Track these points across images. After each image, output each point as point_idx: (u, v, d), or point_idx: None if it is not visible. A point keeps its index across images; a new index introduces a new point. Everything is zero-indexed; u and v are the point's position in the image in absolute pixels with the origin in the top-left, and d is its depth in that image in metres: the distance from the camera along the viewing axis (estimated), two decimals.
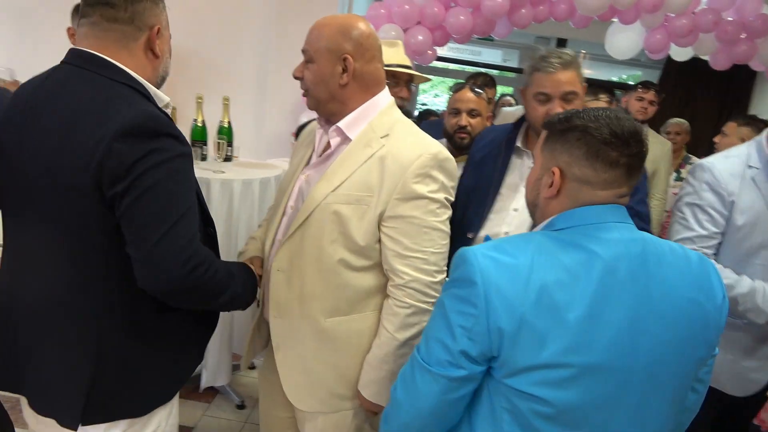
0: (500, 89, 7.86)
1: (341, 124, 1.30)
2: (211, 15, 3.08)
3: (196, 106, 2.41)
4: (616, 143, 0.94)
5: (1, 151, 1.10)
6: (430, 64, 3.42)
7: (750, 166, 1.67)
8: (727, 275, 1.66)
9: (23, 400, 1.19)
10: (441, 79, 8.48)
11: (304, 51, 1.29)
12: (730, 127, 2.95)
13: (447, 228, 1.29)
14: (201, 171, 2.27)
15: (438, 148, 1.29)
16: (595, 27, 3.36)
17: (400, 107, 1.67)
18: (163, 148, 1.04)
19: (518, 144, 1.70)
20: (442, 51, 6.99)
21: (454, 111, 2.21)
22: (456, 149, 2.23)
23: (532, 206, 1.08)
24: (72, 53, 1.12)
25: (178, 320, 1.21)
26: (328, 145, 1.33)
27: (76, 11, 1.16)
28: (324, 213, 1.25)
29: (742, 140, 2.75)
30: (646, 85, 3.31)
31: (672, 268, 0.96)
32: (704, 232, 1.68)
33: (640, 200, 1.65)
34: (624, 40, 3.26)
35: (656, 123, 3.91)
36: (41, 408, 1.14)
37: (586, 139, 0.95)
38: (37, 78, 1.15)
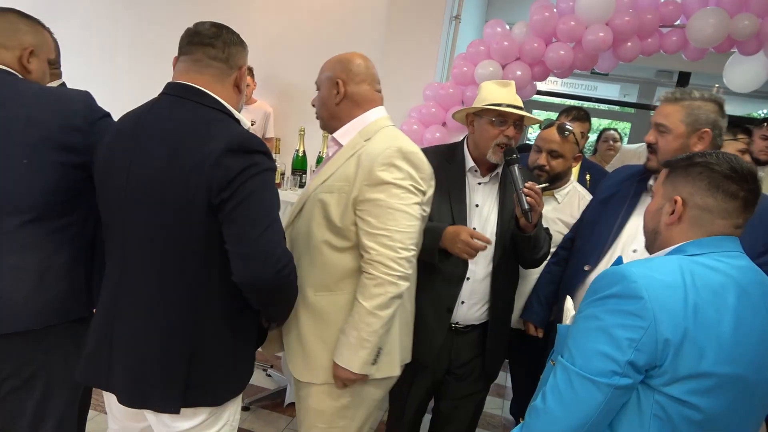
0: (620, 126, 7.53)
1: (336, 134, 1.61)
2: (322, 53, 3.35)
3: (298, 138, 2.63)
4: (735, 177, 1.08)
5: (111, 172, 1.29)
6: (540, 99, 3.41)
7: None
8: None
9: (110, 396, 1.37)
10: (554, 113, 8.31)
11: (316, 84, 1.66)
12: None
13: (413, 211, 1.47)
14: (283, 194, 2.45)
15: (405, 143, 1.51)
16: (718, 59, 3.17)
17: (506, 144, 1.75)
18: (258, 162, 1.25)
19: (651, 182, 1.75)
20: (555, 87, 6.89)
21: (537, 148, 2.21)
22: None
23: (653, 234, 1.20)
24: (174, 86, 1.32)
25: (252, 321, 1.41)
26: None
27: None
28: (313, 202, 1.53)
29: None
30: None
31: None
32: None
33: None
34: (744, 72, 3.03)
35: None
36: (135, 402, 1.30)
37: (709, 173, 1.10)
38: (139, 108, 1.34)
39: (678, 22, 2.87)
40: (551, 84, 6.71)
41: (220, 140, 1.22)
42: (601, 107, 6.85)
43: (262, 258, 1.24)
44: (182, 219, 1.23)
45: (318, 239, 1.51)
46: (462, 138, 1.98)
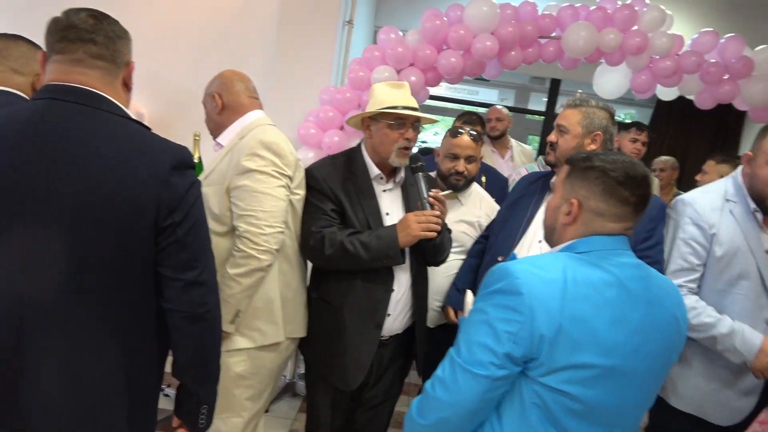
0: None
1: (219, 138, 1.85)
2: (212, 54, 3.22)
3: (193, 144, 2.49)
4: (628, 184, 1.15)
5: (18, 189, 1.08)
6: (429, 103, 3.53)
7: (728, 200, 1.74)
8: (709, 313, 1.70)
9: None
10: (440, 117, 8.63)
11: (203, 103, 1.91)
12: (709, 165, 3.04)
13: (277, 193, 1.67)
14: None
15: (268, 135, 1.70)
16: (585, 68, 3.47)
17: (407, 148, 1.78)
18: (196, 179, 1.22)
19: (553, 180, 1.93)
20: (440, 91, 7.16)
21: (451, 155, 2.29)
22: (450, 189, 2.32)
23: (550, 229, 1.28)
24: (63, 89, 1.14)
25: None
26: None
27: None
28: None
29: (721, 177, 2.83)
30: (640, 127, 3.44)
31: (662, 289, 1.19)
32: (687, 265, 1.74)
33: (655, 247, 1.74)
34: (610, 81, 3.36)
35: (647, 161, 3.99)
36: None
37: (604, 178, 1.16)
38: (20, 114, 1.13)
39: (554, 34, 3.10)
40: (436, 88, 6.97)
41: (163, 155, 1.12)
42: (482, 110, 7.24)
43: (210, 283, 1.20)
44: (122, 245, 1.11)
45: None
46: (356, 144, 1.97)
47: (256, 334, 1.74)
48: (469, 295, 1.39)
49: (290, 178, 1.73)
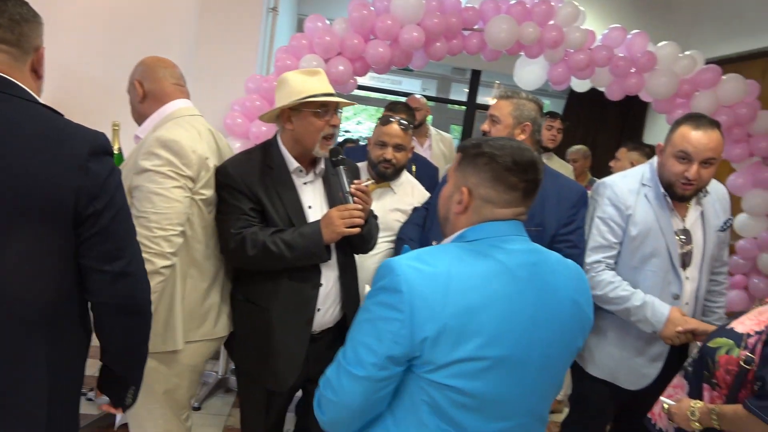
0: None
1: (137, 131, 1.77)
2: (131, 42, 3.05)
3: (112, 134, 2.36)
4: (516, 170, 1.12)
5: None
6: (353, 93, 3.53)
7: (644, 184, 1.90)
8: (625, 287, 1.84)
9: None
10: (363, 107, 8.66)
11: (128, 92, 1.82)
12: (622, 152, 3.25)
13: (172, 195, 1.59)
14: None
15: (167, 132, 1.61)
16: (506, 60, 3.61)
17: (331, 136, 1.75)
18: (115, 165, 1.15)
19: None
20: (364, 80, 7.16)
21: (380, 143, 2.31)
22: (379, 177, 2.34)
23: (444, 220, 1.23)
24: None
25: None
26: None
27: None
28: None
29: (632, 164, 3.05)
30: (553, 115, 3.62)
31: (558, 274, 1.16)
32: (605, 242, 1.88)
33: (576, 231, 1.84)
34: (530, 72, 3.52)
35: (561, 149, 4.22)
36: None
37: (492, 165, 1.13)
38: None
39: (477, 26, 3.19)
40: (360, 78, 6.98)
41: (80, 141, 1.06)
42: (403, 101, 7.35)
43: (139, 274, 1.16)
44: (40, 236, 1.05)
45: None
46: (271, 137, 1.89)
47: (157, 339, 1.65)
48: (366, 289, 1.40)
49: (191, 178, 1.64)
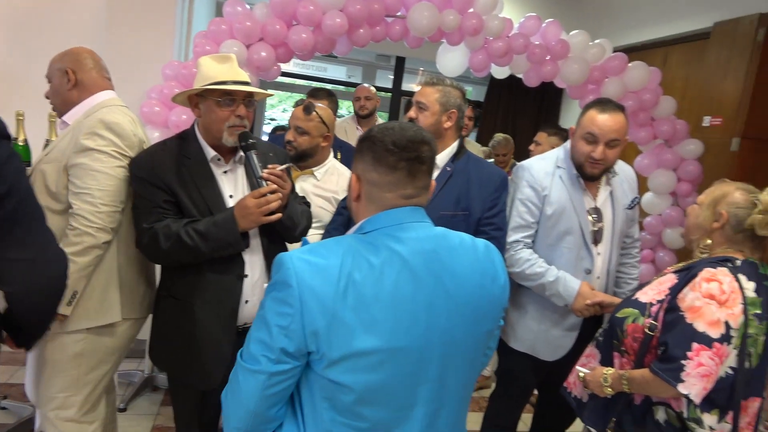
0: (348, 104, 8.12)
1: (65, 117, 1.83)
2: (35, 30, 2.84)
3: (16, 124, 2.21)
4: (394, 150, 1.08)
5: None
6: (278, 80, 3.47)
7: (558, 167, 2.01)
8: (540, 264, 1.95)
9: None
10: (289, 94, 8.52)
11: (47, 77, 1.86)
12: (542, 136, 3.39)
13: (115, 173, 1.70)
14: None
15: (109, 115, 1.72)
16: (429, 47, 3.66)
17: (239, 126, 1.68)
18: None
19: None
20: (289, 67, 7.05)
21: (289, 125, 2.33)
22: (293, 161, 2.33)
23: (350, 210, 1.21)
24: None
25: None
26: None
27: None
28: (35, 172, 1.75)
29: (552, 148, 3.20)
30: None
31: (461, 258, 1.12)
32: (523, 222, 1.98)
33: (499, 214, 1.91)
34: (452, 59, 3.59)
35: (484, 136, 4.35)
36: None
37: (372, 148, 1.10)
38: None
39: (400, 13, 3.22)
40: (285, 65, 6.86)
41: None
42: (330, 87, 7.31)
43: (55, 259, 1.15)
44: None
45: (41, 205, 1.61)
46: (191, 125, 1.82)
47: (93, 313, 1.74)
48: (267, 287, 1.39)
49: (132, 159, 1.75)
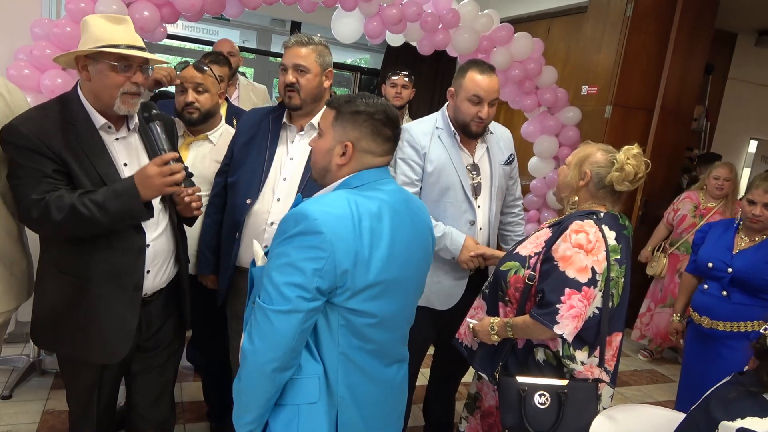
0: (246, 71, 7.82)
1: None
2: None
3: None
4: (390, 124, 1.35)
5: None
6: (166, 42, 3.28)
7: (437, 127, 2.12)
8: None
9: None
10: (179, 58, 8.05)
11: None
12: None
13: None
14: None
15: None
16: (324, 12, 3.62)
17: (136, 94, 1.60)
18: None
19: (285, 120, 1.98)
20: (178, 30, 6.65)
21: (180, 88, 2.22)
22: (188, 125, 2.25)
23: (323, 170, 1.38)
24: None
25: None
26: None
27: None
28: None
29: None
30: (395, 72, 3.71)
31: (417, 206, 1.44)
32: (407, 180, 2.08)
33: None
34: (347, 25, 3.58)
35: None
36: None
37: (372, 121, 1.32)
38: None
39: None
40: (174, 27, 6.46)
41: None
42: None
43: None
44: None
45: None
46: (71, 89, 1.67)
47: None
48: (256, 245, 1.41)
49: None
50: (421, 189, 2.11)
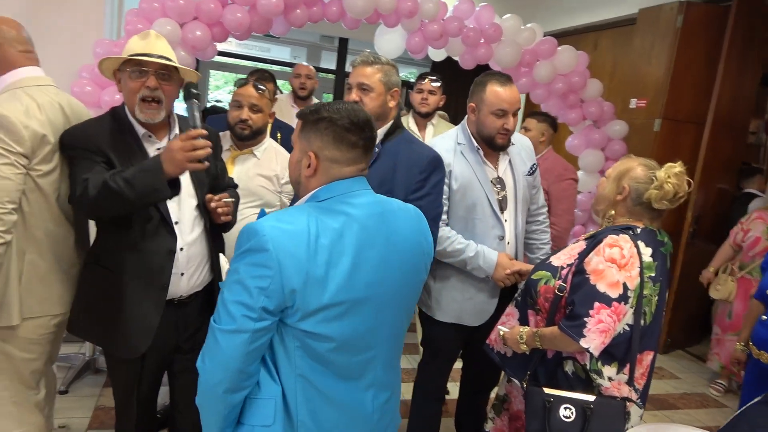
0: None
1: None
2: None
3: None
4: (354, 129, 1.23)
5: None
6: (219, 60, 3.45)
7: (459, 143, 2.13)
8: (460, 241, 2.08)
9: None
10: (234, 75, 8.37)
11: None
12: (531, 123, 3.33)
13: (1, 172, 1.58)
14: None
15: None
16: (371, 29, 3.70)
17: (153, 100, 1.67)
18: None
19: None
20: (232, 47, 6.93)
21: (236, 104, 2.33)
22: (238, 140, 2.35)
23: (296, 183, 1.32)
24: None
25: None
26: None
27: None
28: None
29: (542, 134, 3.26)
30: (422, 76, 3.54)
31: (401, 219, 1.32)
32: None
33: (426, 197, 1.90)
34: (389, 41, 3.66)
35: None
36: None
37: (333, 128, 1.22)
38: None
39: None
40: (226, 44, 6.75)
41: None
42: (275, 68, 7.25)
43: None
44: None
45: None
46: (120, 104, 1.80)
47: None
48: (223, 259, 1.44)
49: (23, 155, 1.61)
50: (448, 208, 2.11)
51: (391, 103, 1.94)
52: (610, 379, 1.67)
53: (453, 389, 2.83)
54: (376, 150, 1.91)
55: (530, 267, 2.02)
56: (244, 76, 4.31)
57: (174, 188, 1.63)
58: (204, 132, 1.62)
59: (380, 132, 1.91)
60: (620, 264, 1.63)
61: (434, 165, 1.92)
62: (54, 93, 1.77)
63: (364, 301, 1.20)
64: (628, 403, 1.67)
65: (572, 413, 1.64)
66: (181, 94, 1.80)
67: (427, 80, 3.42)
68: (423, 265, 1.37)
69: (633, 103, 4.47)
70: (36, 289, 1.73)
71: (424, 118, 3.53)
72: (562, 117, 4.13)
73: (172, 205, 1.75)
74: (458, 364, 2.49)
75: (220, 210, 1.82)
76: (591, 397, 1.65)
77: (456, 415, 2.55)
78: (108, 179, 1.59)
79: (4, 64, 1.71)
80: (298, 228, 1.14)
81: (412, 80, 4.04)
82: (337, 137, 1.22)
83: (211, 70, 6.95)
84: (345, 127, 1.22)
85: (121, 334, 1.74)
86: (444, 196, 2.04)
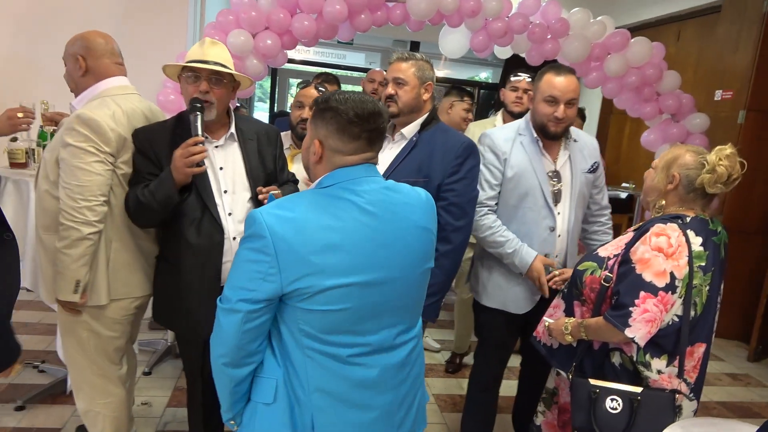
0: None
1: (73, 102, 1.92)
2: (56, 19, 3.09)
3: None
4: (357, 122, 1.24)
5: None
6: (296, 68, 3.64)
7: (519, 134, 2.14)
8: (502, 233, 2.12)
9: None
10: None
11: (63, 59, 1.93)
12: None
13: (93, 168, 1.75)
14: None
15: (87, 111, 1.77)
16: (434, 30, 3.76)
17: (207, 103, 1.79)
18: None
19: None
20: (309, 55, 7.20)
21: (298, 104, 2.48)
22: (298, 139, 2.50)
23: (307, 169, 1.38)
24: None
25: None
26: None
27: None
28: (43, 160, 1.88)
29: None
30: (516, 74, 3.29)
31: (409, 205, 1.32)
32: (486, 184, 2.13)
33: (461, 180, 1.99)
34: (453, 41, 3.70)
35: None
36: None
37: (337, 118, 1.24)
38: None
39: None
40: (304, 53, 7.06)
41: None
42: (352, 74, 7.47)
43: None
44: None
45: (42, 188, 1.86)
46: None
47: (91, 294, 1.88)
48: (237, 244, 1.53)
49: (111, 154, 1.78)
50: (500, 193, 2.14)
51: (425, 96, 2.05)
52: (659, 372, 1.62)
53: (508, 385, 2.81)
54: (414, 139, 2.03)
55: (568, 271, 2.00)
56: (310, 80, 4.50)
57: (182, 193, 1.81)
58: (200, 139, 1.76)
59: (417, 123, 2.05)
60: (667, 253, 1.58)
61: (469, 151, 2.02)
62: (137, 101, 1.96)
63: (372, 283, 1.22)
64: (678, 396, 1.61)
65: (619, 405, 1.61)
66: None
67: (523, 78, 3.18)
68: (430, 252, 1.37)
69: (718, 95, 4.22)
70: (120, 274, 1.92)
71: (515, 118, 3.42)
72: (637, 111, 3.97)
73: (226, 198, 1.88)
74: (517, 361, 2.49)
75: (266, 203, 1.95)
76: (638, 389, 1.61)
77: (513, 410, 2.55)
78: (138, 193, 1.79)
79: (98, 73, 1.89)
80: (295, 215, 1.17)
81: (491, 81, 3.99)
82: (339, 128, 1.24)
83: (290, 79, 7.28)
84: (348, 118, 1.23)
85: (186, 321, 1.91)
86: (496, 182, 2.10)
